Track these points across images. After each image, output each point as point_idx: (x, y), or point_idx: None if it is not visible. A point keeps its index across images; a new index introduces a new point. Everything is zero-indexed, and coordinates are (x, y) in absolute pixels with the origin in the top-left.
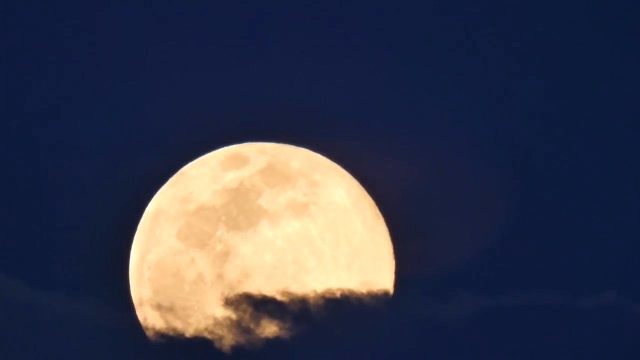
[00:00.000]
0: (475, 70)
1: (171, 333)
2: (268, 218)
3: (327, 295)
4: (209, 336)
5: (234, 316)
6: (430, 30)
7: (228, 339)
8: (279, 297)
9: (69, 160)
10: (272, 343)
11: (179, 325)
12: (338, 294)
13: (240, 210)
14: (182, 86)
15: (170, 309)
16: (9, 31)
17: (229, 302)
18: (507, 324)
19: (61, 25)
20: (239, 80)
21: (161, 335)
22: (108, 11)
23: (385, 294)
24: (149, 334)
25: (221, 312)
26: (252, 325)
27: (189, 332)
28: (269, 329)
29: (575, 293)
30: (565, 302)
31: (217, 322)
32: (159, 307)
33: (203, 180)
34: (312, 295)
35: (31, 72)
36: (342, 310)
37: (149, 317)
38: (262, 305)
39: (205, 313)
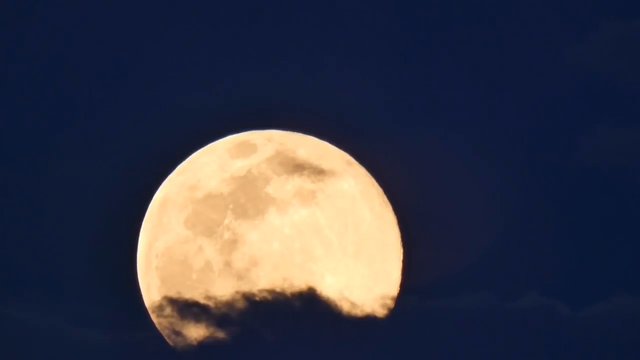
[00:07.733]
0: (491, 64)
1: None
2: (276, 206)
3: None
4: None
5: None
6: (441, 26)
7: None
8: (202, 301)
9: (74, 150)
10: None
11: None
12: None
13: (248, 198)
14: (190, 74)
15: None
16: (9, 31)
17: (153, 310)
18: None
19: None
20: (247, 67)
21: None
22: None
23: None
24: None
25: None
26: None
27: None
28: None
29: (501, 296)
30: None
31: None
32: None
33: (211, 168)
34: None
35: (36, 62)
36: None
37: (157, 305)
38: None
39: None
